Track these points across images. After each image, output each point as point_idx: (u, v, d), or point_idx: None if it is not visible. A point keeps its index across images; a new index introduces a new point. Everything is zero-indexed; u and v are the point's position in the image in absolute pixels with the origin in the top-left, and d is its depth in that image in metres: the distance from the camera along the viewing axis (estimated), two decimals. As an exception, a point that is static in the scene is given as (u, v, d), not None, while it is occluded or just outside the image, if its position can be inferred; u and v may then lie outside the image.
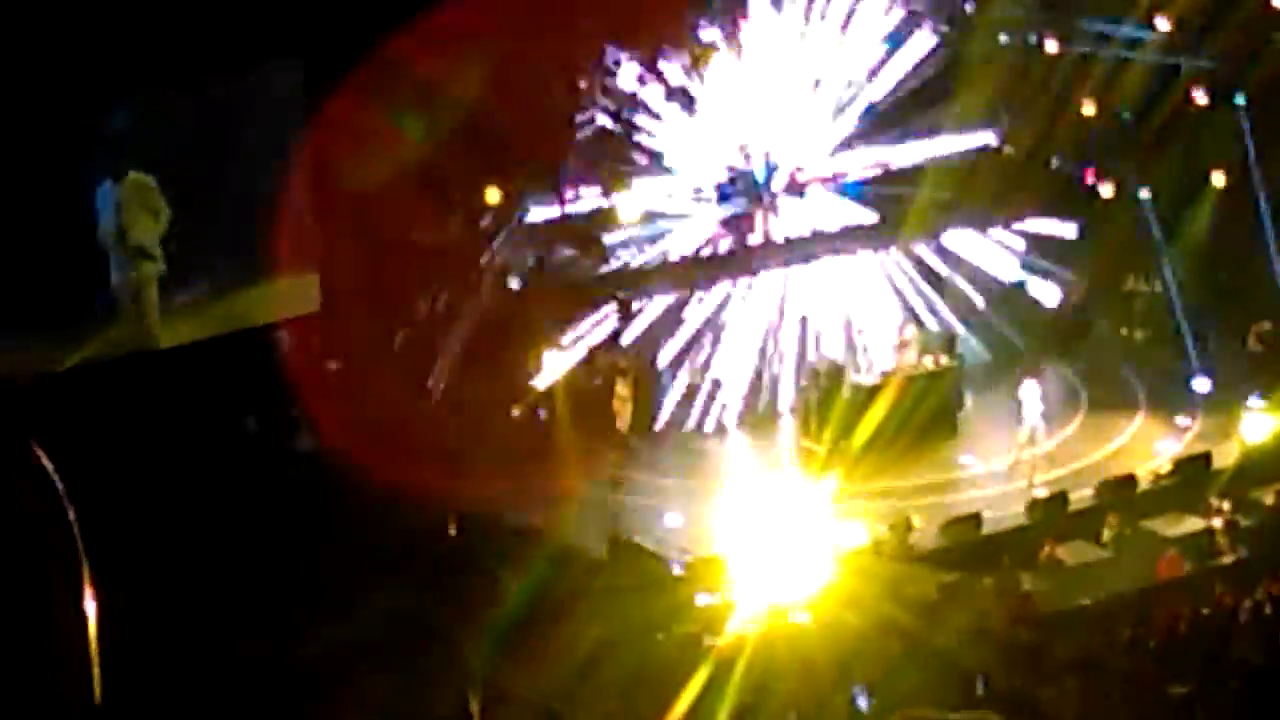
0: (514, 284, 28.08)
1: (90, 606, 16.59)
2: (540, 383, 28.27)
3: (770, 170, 29.92)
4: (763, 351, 30.11)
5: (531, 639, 22.63)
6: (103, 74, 23.91)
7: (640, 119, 28.92)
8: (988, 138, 31.08)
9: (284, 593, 22.77)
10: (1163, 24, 29.90)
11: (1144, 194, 30.82)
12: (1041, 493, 26.74)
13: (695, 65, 28.99)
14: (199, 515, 23.66)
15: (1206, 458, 27.40)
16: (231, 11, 24.35)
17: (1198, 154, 30.44)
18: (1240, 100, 30.06)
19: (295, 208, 25.85)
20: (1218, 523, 25.81)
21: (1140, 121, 30.71)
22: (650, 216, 29.24)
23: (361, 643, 21.88)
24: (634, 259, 29.24)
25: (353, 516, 24.38)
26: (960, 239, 31.06)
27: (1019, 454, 27.88)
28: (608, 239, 28.85)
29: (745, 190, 29.80)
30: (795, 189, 30.22)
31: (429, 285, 27.74)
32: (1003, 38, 30.38)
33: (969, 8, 30.27)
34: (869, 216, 30.75)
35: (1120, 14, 30.13)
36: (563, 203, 28.26)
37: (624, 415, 28.85)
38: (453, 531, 25.86)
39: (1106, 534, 25.63)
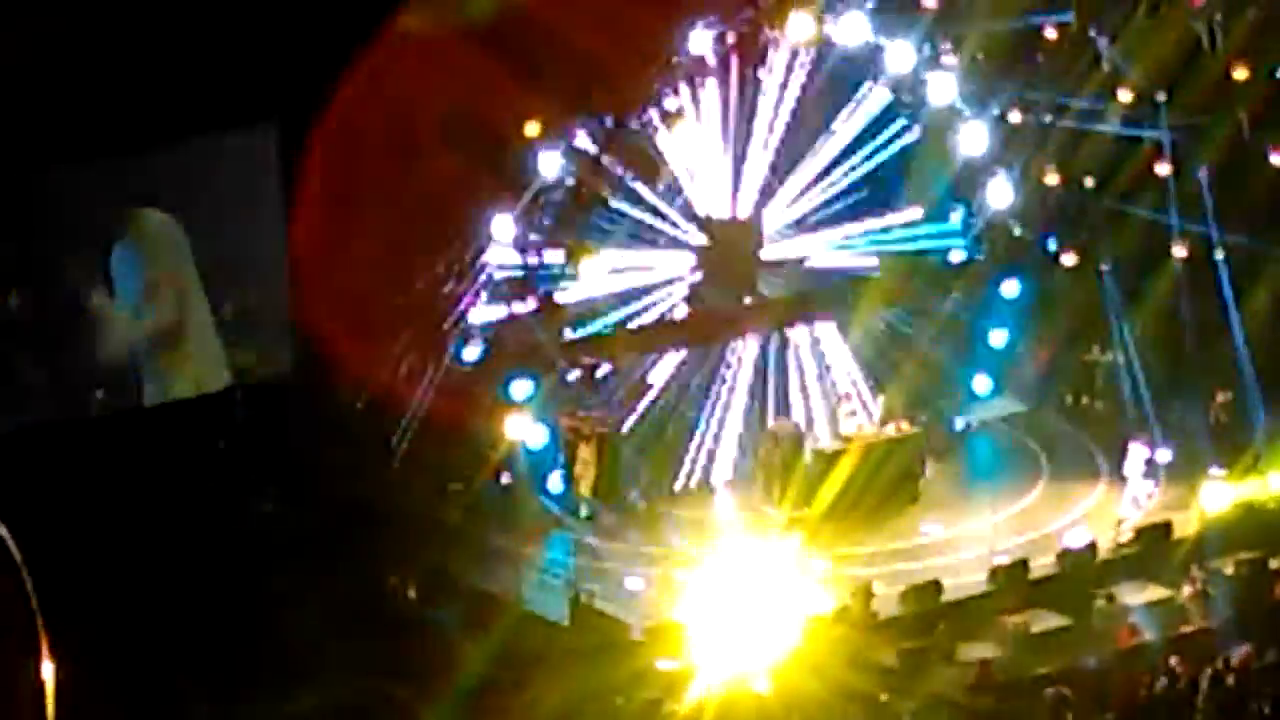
0: (476, 349, 28.05)
1: (47, 673, 16.50)
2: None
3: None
4: (725, 416, 30.13)
5: (490, 704, 22.55)
6: (75, 139, 24.02)
7: (604, 184, 28.94)
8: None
9: (240, 657, 22.66)
10: (1124, 95, 30.09)
11: (1106, 263, 30.95)
12: (1002, 560, 26.73)
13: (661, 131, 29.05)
14: (155, 578, 23.57)
15: (1167, 527, 27.46)
16: (204, 74, 24.46)
17: (1159, 224, 30.59)
18: (1201, 171, 30.22)
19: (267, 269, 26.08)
20: (1188, 590, 25.87)
21: (1102, 191, 30.88)
22: (613, 282, 29.27)
23: (319, 709, 21.80)
24: (596, 325, 29.24)
25: (311, 579, 24.30)
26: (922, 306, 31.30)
27: (1123, 519, 27.96)
28: (570, 304, 28.89)
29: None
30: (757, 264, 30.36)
31: (393, 349, 27.69)
32: (965, 108, 30.43)
33: (933, 79, 30.25)
34: (830, 283, 30.88)
35: (1082, 84, 30.28)
36: (525, 267, 28.30)
37: (586, 479, 28.80)
38: (411, 595, 25.77)
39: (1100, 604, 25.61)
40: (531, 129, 27.51)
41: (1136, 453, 28.50)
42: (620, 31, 26.68)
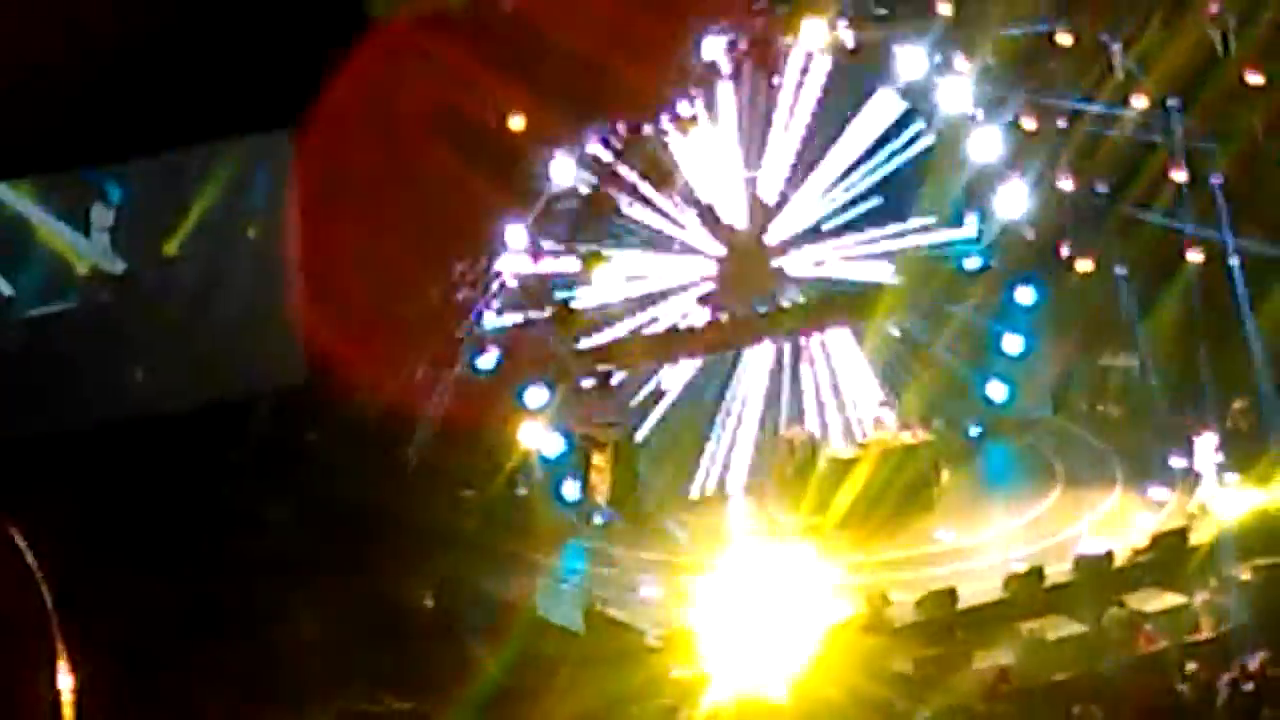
0: (491, 357, 28.07)
1: (63, 680, 16.51)
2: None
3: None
4: (740, 423, 30.12)
5: (505, 713, 22.56)
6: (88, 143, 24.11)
7: (617, 192, 28.95)
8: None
9: (255, 668, 22.69)
10: (1138, 101, 30.05)
11: (1120, 269, 30.92)
12: (1018, 567, 26.68)
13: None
14: (170, 588, 23.61)
15: (1183, 533, 27.40)
16: (218, 81, 24.53)
17: (1174, 230, 30.53)
18: (1216, 177, 30.17)
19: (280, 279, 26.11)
20: (1204, 596, 25.82)
21: (1117, 197, 30.84)
22: (628, 290, 29.28)
23: (339, 716, 21.84)
24: (611, 333, 29.25)
25: (326, 589, 24.32)
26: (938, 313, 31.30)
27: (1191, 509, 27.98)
28: (585, 312, 28.91)
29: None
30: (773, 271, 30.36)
31: (407, 357, 27.71)
32: (979, 114, 30.41)
33: (946, 85, 30.21)
34: (849, 290, 30.88)
35: (1096, 90, 30.25)
36: (540, 274, 28.34)
37: (601, 487, 28.80)
38: (428, 603, 25.78)
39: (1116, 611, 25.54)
40: (531, 132, 27.44)
41: (1205, 443, 28.36)
42: (632, 37, 26.68)
